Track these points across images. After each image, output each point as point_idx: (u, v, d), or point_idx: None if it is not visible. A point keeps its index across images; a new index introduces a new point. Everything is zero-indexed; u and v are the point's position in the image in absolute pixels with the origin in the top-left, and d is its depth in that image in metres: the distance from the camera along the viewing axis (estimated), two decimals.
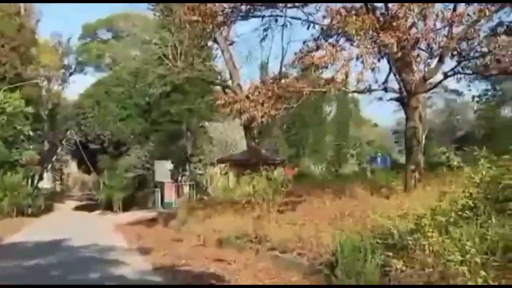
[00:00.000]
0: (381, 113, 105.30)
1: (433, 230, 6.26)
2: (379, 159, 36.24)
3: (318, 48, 13.03)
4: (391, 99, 12.84)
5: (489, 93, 19.14)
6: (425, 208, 8.77)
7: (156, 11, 22.31)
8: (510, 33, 10.47)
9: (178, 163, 31.47)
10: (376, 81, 12.94)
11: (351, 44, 12.16)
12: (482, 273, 5.28)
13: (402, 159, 54.34)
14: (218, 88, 23.59)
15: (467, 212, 6.24)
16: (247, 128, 20.67)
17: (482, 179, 6.65)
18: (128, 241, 14.65)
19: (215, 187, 27.86)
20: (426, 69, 12.55)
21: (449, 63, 13.02)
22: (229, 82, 20.71)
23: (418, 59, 12.92)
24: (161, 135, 32.00)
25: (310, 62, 11.28)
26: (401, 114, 59.23)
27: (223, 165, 31.33)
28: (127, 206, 32.72)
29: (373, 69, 10.53)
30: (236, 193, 18.79)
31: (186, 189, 29.46)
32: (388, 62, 12.69)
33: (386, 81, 12.12)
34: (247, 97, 12.61)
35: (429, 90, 13.19)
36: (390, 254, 6.56)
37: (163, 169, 29.69)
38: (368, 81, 12.97)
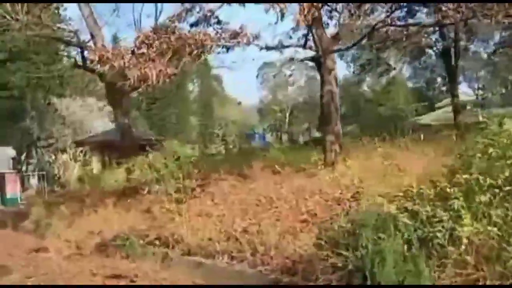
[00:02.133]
0: (245, 91, 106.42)
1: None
2: (257, 136, 35.19)
3: None
4: (304, 59, 10.95)
5: (373, 62, 18.77)
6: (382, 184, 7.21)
7: None
8: None
9: (22, 149, 25.64)
10: (290, 37, 11.04)
11: None
12: None
13: (268, 137, 55.20)
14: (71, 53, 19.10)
15: None
16: (116, 102, 17.05)
17: None
18: None
19: (71, 177, 23.30)
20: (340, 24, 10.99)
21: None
22: (90, 44, 16.66)
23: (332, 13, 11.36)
24: None
25: None
26: (265, 92, 59.96)
27: (80, 149, 26.65)
28: None
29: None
30: (108, 182, 15.27)
31: (33, 180, 24.14)
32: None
33: (307, 34, 10.11)
34: (133, 51, 9.40)
35: (348, 48, 11.60)
36: None
37: (2, 156, 23.75)
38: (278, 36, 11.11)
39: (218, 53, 11.13)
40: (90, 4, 16.89)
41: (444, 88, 59.28)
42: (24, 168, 25.64)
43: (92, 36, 16.59)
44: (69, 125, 26.94)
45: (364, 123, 40.63)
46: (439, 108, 42.46)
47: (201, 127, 60.13)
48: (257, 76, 71.92)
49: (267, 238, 6.44)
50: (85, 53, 17.12)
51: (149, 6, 24.68)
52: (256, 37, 9.95)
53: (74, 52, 20.29)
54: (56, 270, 7.65)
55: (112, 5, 18.84)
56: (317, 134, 59.80)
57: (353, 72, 55.91)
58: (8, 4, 15.41)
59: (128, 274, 7.05)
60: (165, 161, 8.80)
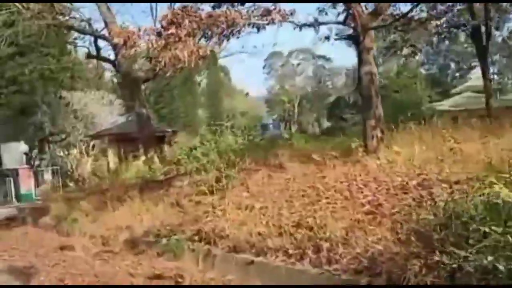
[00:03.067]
0: (251, 82, 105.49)
1: None
2: (271, 126, 34.49)
3: None
4: (341, 37, 10.14)
5: (398, 44, 17.83)
6: None
7: None
8: None
9: (34, 144, 25.00)
10: (326, 14, 10.23)
11: None
12: None
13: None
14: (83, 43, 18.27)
15: None
16: (132, 92, 16.32)
17: None
18: None
19: (84, 171, 22.68)
20: None
21: None
22: (104, 32, 15.96)
23: None
24: (7, 111, 24.84)
25: None
26: (272, 83, 59.40)
27: (92, 143, 26.05)
28: None
29: None
30: (128, 175, 14.64)
31: (47, 176, 23.54)
32: None
33: (348, 9, 9.27)
34: (159, 33, 8.62)
35: (389, 25, 10.76)
36: None
37: (15, 152, 23.12)
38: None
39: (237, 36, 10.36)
40: None
41: (457, 74, 58.25)
42: (37, 163, 25.04)
43: (106, 24, 15.87)
44: (82, 119, 26.28)
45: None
46: (457, 94, 41.48)
47: (209, 119, 59.59)
48: (264, 67, 71.19)
49: (330, 232, 5.68)
50: (98, 42, 16.48)
51: None
52: (291, 13, 9.15)
53: (86, 42, 19.33)
54: (89, 270, 6.96)
55: None
56: (327, 124, 59.04)
57: (383, 55, 54.91)
58: None
59: (170, 274, 6.35)
60: (205, 150, 8.04)
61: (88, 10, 16.59)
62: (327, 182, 8.05)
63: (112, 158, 20.83)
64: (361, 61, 10.20)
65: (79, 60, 27.91)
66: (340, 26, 10.53)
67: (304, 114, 68.11)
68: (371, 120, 10.12)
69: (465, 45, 49.44)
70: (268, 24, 9.32)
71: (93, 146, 26.43)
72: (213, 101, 60.91)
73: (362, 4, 10.15)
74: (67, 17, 16.15)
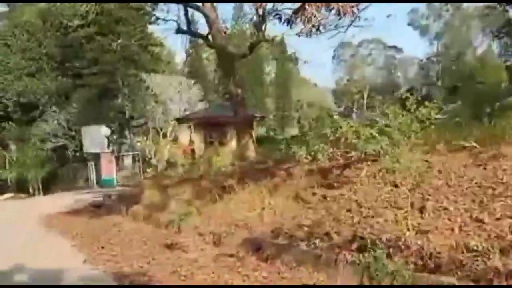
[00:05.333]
0: (320, 73, 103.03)
1: None
2: (354, 115, 32.33)
3: None
4: None
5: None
6: None
7: None
8: None
9: (115, 128, 24.33)
10: None
11: None
12: None
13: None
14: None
15: None
16: (229, 69, 14.58)
17: None
18: (87, 252, 7.81)
19: (164, 156, 21.60)
20: None
21: None
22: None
23: None
24: (88, 93, 24.31)
25: None
26: (341, 73, 56.14)
27: (169, 128, 25.10)
28: (47, 186, 24.76)
29: None
30: (224, 163, 13.07)
31: (127, 161, 22.81)
32: None
33: None
34: None
35: None
36: None
37: (96, 136, 22.48)
38: None
39: None
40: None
41: None
42: (116, 148, 24.35)
43: (208, 22, 14.20)
44: (161, 103, 25.28)
45: (462, 102, 36.29)
46: None
47: (277, 110, 58.26)
48: (333, 57, 68.65)
49: None
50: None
51: None
52: None
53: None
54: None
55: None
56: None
57: (437, 50, 51.16)
58: None
59: None
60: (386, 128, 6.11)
61: None
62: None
63: (197, 144, 19.57)
64: None
65: (159, 41, 26.82)
66: None
67: (373, 106, 64.62)
68: None
69: None
70: None
71: (164, 133, 25.48)
72: (281, 91, 59.30)
73: None
74: None
